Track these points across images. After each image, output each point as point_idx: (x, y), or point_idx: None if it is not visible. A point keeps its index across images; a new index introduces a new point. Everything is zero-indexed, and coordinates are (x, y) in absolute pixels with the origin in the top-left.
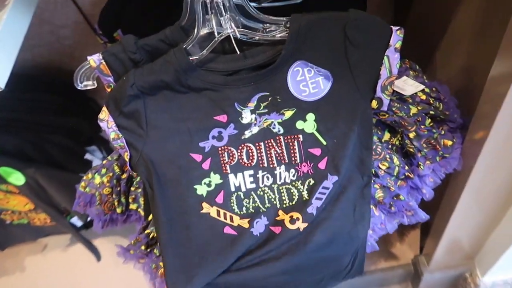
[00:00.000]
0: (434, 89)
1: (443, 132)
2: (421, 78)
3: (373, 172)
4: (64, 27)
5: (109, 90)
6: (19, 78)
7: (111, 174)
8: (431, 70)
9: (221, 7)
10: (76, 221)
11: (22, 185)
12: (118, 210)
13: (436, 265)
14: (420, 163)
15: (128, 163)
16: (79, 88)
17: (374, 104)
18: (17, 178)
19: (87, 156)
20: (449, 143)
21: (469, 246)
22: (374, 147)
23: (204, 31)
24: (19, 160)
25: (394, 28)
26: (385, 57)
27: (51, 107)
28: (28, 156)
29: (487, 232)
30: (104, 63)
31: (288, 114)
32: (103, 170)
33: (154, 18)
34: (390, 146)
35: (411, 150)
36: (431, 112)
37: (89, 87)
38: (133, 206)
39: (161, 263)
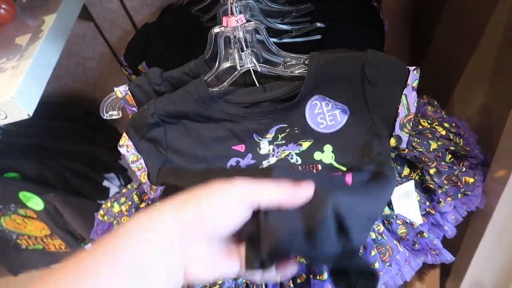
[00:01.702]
0: (453, 124)
1: (464, 169)
2: (439, 113)
3: (393, 208)
4: (90, 59)
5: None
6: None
7: (130, 203)
8: (449, 107)
9: (243, 42)
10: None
11: (40, 210)
12: None
13: None
14: (441, 199)
15: (147, 177)
16: (104, 117)
17: (392, 141)
18: (36, 203)
19: (105, 183)
20: (471, 180)
21: (493, 287)
22: None
23: (226, 64)
24: (39, 185)
25: (411, 68)
26: (403, 96)
27: (73, 135)
28: (47, 182)
29: None
30: (129, 93)
31: (306, 145)
32: (122, 199)
33: (178, 52)
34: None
35: (431, 186)
36: (451, 148)
37: (114, 117)
38: None
39: None
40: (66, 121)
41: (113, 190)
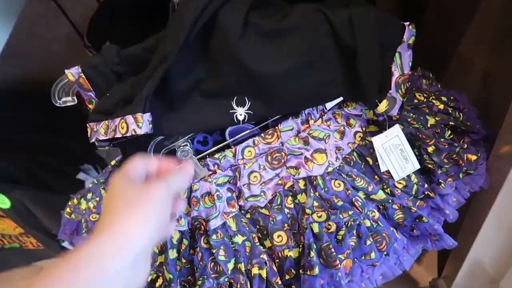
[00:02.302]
0: (452, 98)
1: (465, 146)
2: (435, 86)
3: (389, 192)
4: (55, 41)
5: (90, 106)
6: (4, 94)
7: (97, 198)
8: (446, 79)
9: None
10: (70, 246)
11: (8, 209)
12: None
13: None
14: (440, 180)
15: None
16: (57, 105)
17: (384, 104)
18: (2, 201)
19: (80, 176)
20: (473, 157)
21: (493, 269)
22: None
23: None
24: (4, 182)
25: (406, 23)
26: (396, 54)
27: (39, 126)
28: (14, 179)
29: None
30: (83, 76)
31: None
32: (89, 195)
33: (143, 28)
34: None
35: (430, 166)
36: (451, 123)
37: (69, 104)
38: None
39: None
40: (31, 110)
41: (89, 182)
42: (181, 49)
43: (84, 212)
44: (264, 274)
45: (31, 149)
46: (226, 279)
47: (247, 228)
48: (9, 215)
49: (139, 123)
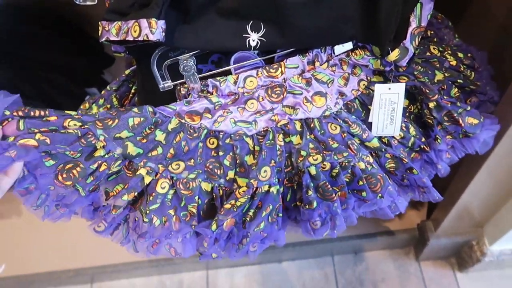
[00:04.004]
0: (469, 55)
1: (469, 108)
2: (452, 36)
3: (386, 141)
4: None
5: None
6: (10, 8)
7: (108, 105)
8: (464, 27)
9: None
10: None
11: None
12: None
13: (443, 231)
14: (438, 136)
15: None
16: (77, 2)
17: (395, 53)
18: None
19: (87, 99)
20: (475, 121)
21: (479, 215)
22: None
23: None
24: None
25: None
26: (418, 4)
27: (46, 43)
28: (23, 93)
29: (499, 203)
30: None
31: None
32: (101, 101)
33: None
34: (407, 114)
35: (429, 121)
36: (459, 81)
37: (88, 3)
38: None
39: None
40: (37, 27)
41: None
42: None
43: None
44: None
45: (41, 66)
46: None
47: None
48: None
49: (153, 29)
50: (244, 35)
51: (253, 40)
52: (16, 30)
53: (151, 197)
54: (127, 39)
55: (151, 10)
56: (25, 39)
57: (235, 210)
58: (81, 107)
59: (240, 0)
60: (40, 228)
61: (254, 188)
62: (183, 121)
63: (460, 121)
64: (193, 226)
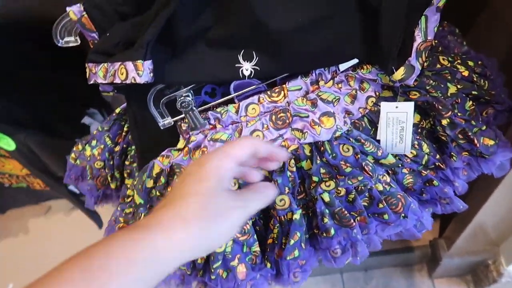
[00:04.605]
0: (479, 62)
1: (484, 128)
2: (460, 44)
3: (399, 159)
4: None
5: None
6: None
7: (102, 146)
8: (471, 36)
9: None
10: (75, 188)
11: (13, 151)
12: (112, 186)
13: (456, 250)
14: (453, 153)
15: None
16: (59, 44)
17: (400, 72)
18: (7, 143)
19: (85, 120)
20: (490, 142)
21: (495, 233)
22: None
23: None
24: (8, 124)
25: None
26: (423, 17)
27: (43, 63)
28: (18, 120)
29: None
30: (86, 16)
31: None
32: (94, 142)
33: None
34: (419, 130)
35: (443, 138)
36: (474, 92)
37: (71, 44)
38: (128, 182)
39: None
40: (33, 47)
41: (95, 126)
42: None
43: (88, 158)
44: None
45: (35, 88)
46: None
47: None
48: (14, 157)
49: (139, 71)
50: (236, 65)
51: (246, 70)
52: (8, 49)
53: (212, 257)
54: (114, 82)
55: (136, 52)
56: (18, 58)
57: (276, 242)
58: (74, 148)
59: (228, 30)
60: (47, 246)
61: (278, 218)
62: None
63: (475, 141)
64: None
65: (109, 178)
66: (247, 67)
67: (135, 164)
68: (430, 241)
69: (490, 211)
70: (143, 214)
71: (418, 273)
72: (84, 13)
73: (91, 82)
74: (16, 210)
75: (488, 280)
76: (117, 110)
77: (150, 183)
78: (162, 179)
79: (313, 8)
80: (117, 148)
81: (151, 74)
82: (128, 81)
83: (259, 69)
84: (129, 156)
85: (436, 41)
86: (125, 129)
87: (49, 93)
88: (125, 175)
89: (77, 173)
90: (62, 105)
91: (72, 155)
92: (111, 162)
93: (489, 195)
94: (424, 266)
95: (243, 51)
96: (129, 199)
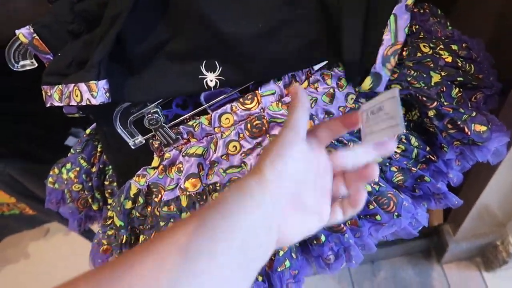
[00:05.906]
0: (464, 45)
1: (474, 114)
2: (444, 26)
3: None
4: None
5: None
6: None
7: (77, 168)
8: (454, 13)
9: None
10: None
11: None
12: (94, 207)
13: (463, 234)
14: (443, 144)
15: None
16: (15, 69)
17: (367, 82)
18: None
19: (68, 142)
20: (482, 128)
21: (501, 213)
22: None
23: None
24: None
25: None
26: (391, 16)
27: (16, 92)
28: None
29: None
30: (37, 37)
31: None
32: (68, 165)
33: None
34: (405, 123)
35: (431, 129)
36: (459, 79)
37: (28, 67)
38: (110, 201)
39: None
40: (1, 75)
41: None
42: (134, 7)
43: (66, 182)
44: None
45: (10, 118)
46: None
47: None
48: None
49: (94, 92)
50: (199, 76)
51: (211, 80)
52: None
53: None
54: (70, 104)
55: (88, 72)
56: None
57: None
58: (51, 173)
59: (187, 42)
60: (48, 272)
61: None
62: (186, 193)
63: (466, 129)
64: None
65: (89, 200)
66: (211, 78)
67: (115, 184)
68: (435, 227)
69: (494, 191)
70: (124, 236)
71: (426, 261)
72: (35, 34)
73: (48, 105)
74: (13, 236)
75: (499, 261)
76: (88, 131)
77: (128, 204)
78: (141, 199)
79: (272, 13)
80: (94, 169)
81: (107, 94)
82: (83, 103)
83: (224, 79)
84: (107, 176)
85: (417, 26)
86: (99, 149)
87: (23, 122)
88: (107, 195)
89: (57, 197)
90: (41, 131)
91: (50, 179)
92: (90, 184)
93: (492, 173)
94: (432, 253)
95: (204, 61)
96: (110, 221)
